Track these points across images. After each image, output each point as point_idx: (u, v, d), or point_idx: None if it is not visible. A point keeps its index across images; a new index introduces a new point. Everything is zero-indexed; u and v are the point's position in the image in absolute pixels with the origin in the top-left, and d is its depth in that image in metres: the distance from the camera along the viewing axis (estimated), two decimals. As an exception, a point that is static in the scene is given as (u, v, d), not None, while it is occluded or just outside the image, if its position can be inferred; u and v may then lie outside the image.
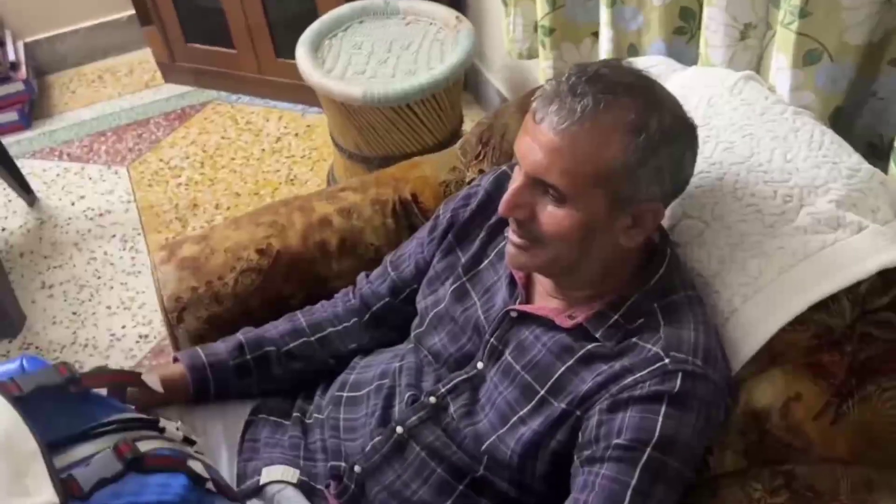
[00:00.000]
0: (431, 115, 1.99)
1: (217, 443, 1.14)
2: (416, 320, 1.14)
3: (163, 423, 0.89)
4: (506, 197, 0.93)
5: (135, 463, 0.77)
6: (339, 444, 1.10)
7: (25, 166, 2.49)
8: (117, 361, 1.97)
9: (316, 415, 1.16)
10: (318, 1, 2.33)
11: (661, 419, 0.88)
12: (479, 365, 1.03)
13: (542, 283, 1.04)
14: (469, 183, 1.26)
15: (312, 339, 1.20)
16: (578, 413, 0.94)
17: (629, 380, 0.91)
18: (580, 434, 0.93)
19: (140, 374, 1.03)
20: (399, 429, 1.04)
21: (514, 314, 1.02)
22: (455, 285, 1.10)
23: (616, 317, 0.96)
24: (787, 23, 1.08)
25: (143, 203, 2.39)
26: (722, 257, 1.01)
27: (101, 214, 2.37)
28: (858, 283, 0.91)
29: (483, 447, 0.99)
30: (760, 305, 0.95)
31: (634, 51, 1.44)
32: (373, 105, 1.89)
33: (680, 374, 0.89)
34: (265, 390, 1.20)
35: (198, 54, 2.69)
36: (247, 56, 2.60)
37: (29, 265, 2.24)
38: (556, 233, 0.91)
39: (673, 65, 1.27)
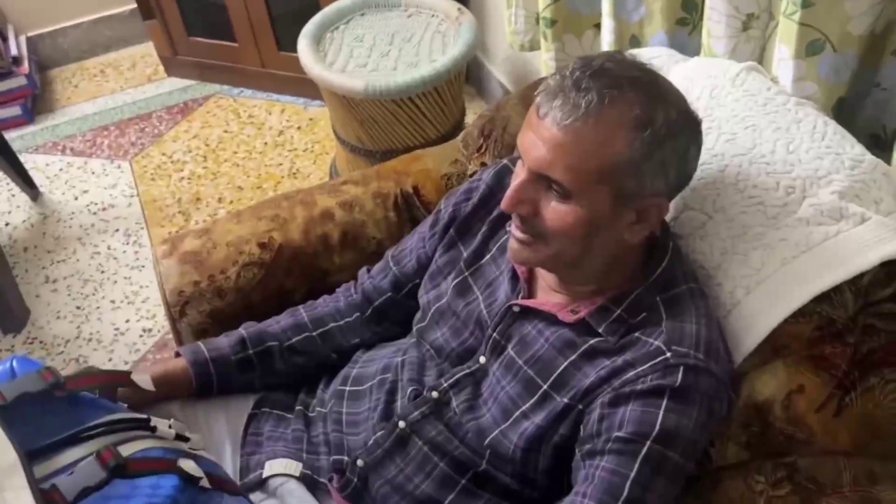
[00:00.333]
0: (433, 108, 1.98)
1: (220, 437, 1.15)
2: (419, 315, 1.14)
3: (154, 421, 0.88)
4: (509, 193, 0.92)
5: (118, 469, 0.76)
6: (341, 437, 1.10)
7: (28, 161, 2.50)
8: (121, 356, 1.97)
9: (319, 408, 1.16)
10: (320, -6, 2.33)
11: (662, 413, 0.88)
12: (482, 359, 1.03)
13: (544, 278, 1.04)
14: (471, 176, 1.26)
15: (314, 333, 1.20)
16: (580, 407, 0.94)
17: (631, 374, 0.90)
18: (581, 428, 0.93)
19: (129, 373, 1.02)
20: (401, 423, 1.05)
21: (516, 309, 1.02)
22: (457, 280, 1.10)
23: (618, 311, 0.95)
24: (790, 13, 1.08)
25: (145, 197, 2.39)
26: (724, 249, 1.00)
27: (104, 209, 2.37)
28: (861, 275, 0.91)
29: (486, 441, 0.99)
30: (763, 297, 0.95)
31: (636, 42, 1.43)
32: (375, 98, 1.88)
33: (681, 368, 0.89)
34: (267, 385, 1.20)
35: (200, 48, 2.69)
36: (249, 49, 2.60)
37: (33, 260, 2.24)
38: (560, 229, 0.90)
39: (675, 56, 1.27)
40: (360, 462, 1.06)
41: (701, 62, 1.22)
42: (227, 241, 1.30)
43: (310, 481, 1.09)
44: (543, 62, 1.66)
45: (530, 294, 1.04)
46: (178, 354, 1.17)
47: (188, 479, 0.81)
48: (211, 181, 2.42)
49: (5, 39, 2.69)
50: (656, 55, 1.25)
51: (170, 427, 0.90)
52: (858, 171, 0.99)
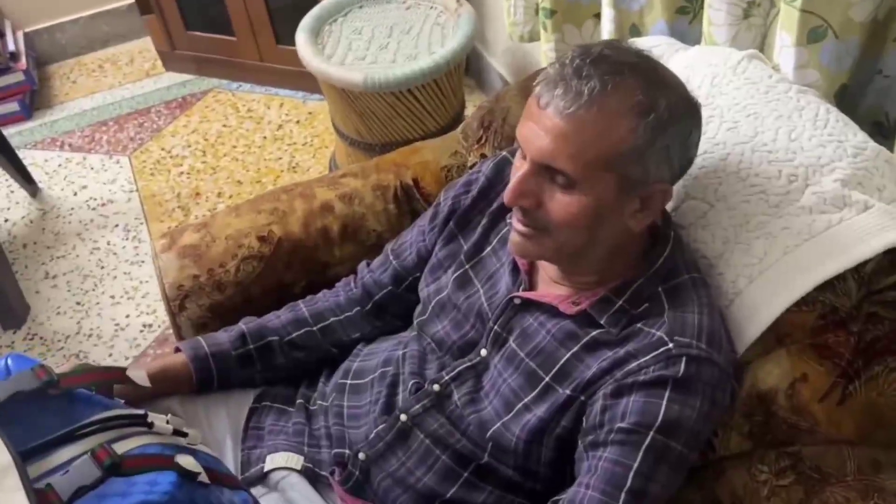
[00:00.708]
0: (433, 100, 1.97)
1: (221, 431, 1.14)
2: (419, 308, 1.14)
3: (151, 417, 0.87)
4: (511, 185, 0.91)
5: (113, 468, 0.75)
6: (343, 431, 1.10)
7: (27, 157, 2.49)
8: (121, 351, 1.97)
9: (320, 402, 1.16)
10: (318, -14, 2.32)
11: (664, 403, 0.87)
12: (483, 352, 1.03)
13: (545, 270, 1.03)
14: (471, 167, 1.25)
15: (315, 328, 1.19)
16: (583, 398, 0.93)
17: (633, 365, 0.90)
18: (584, 419, 0.93)
19: (125, 369, 1.01)
20: (403, 417, 1.04)
21: (517, 301, 1.01)
22: (457, 273, 1.09)
23: (620, 302, 0.95)
24: (791, 0, 1.07)
25: (145, 192, 2.38)
26: (726, 238, 1.00)
27: (103, 204, 2.36)
28: (864, 263, 0.90)
29: (488, 434, 0.99)
30: (765, 286, 0.95)
31: (636, 31, 1.42)
32: (374, 91, 1.88)
33: (684, 359, 0.88)
34: (268, 379, 1.20)
35: (198, 42, 2.68)
36: (247, 43, 2.59)
37: (32, 256, 2.24)
38: (565, 220, 0.89)
39: (675, 45, 1.26)
40: (361, 455, 1.05)
41: (702, 51, 1.22)
42: (226, 235, 1.30)
43: (311, 475, 1.09)
44: (543, 53, 1.65)
45: (531, 286, 1.03)
46: (177, 350, 1.17)
47: (186, 475, 0.81)
48: (210, 176, 2.41)
49: (2, 35, 2.68)
50: (657, 44, 1.25)
51: (167, 422, 0.89)
52: (861, 158, 0.98)
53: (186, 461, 0.82)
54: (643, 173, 0.88)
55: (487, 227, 1.11)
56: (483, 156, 1.32)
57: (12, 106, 2.66)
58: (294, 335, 1.18)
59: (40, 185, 2.43)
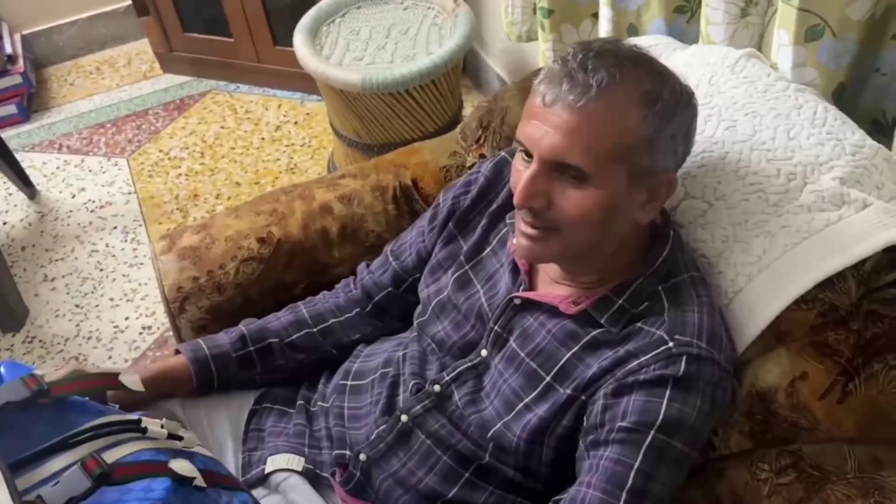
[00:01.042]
0: (431, 101, 1.97)
1: (221, 433, 1.14)
2: (419, 308, 1.13)
3: (145, 422, 0.86)
4: (521, 187, 0.90)
5: (104, 477, 0.74)
6: (343, 432, 1.10)
7: (25, 159, 2.49)
8: (121, 353, 1.97)
9: (320, 403, 1.16)
10: (315, -13, 2.32)
11: (665, 402, 0.87)
12: (483, 353, 1.03)
13: (546, 270, 1.03)
14: (469, 168, 1.25)
15: (315, 329, 1.19)
16: (583, 398, 0.93)
17: (633, 364, 0.90)
18: (585, 418, 0.93)
19: (118, 374, 1.00)
20: (404, 417, 1.04)
21: (517, 301, 1.01)
22: (457, 273, 1.09)
23: (620, 301, 0.95)
24: (789, -2, 1.07)
25: (143, 194, 2.38)
26: (725, 237, 1.00)
27: (101, 206, 2.36)
28: (864, 261, 0.90)
29: (489, 434, 0.99)
30: (765, 285, 0.95)
31: (634, 30, 1.43)
32: (372, 91, 1.88)
33: (684, 358, 0.88)
34: (268, 381, 1.20)
35: (195, 44, 2.68)
36: (245, 44, 2.59)
37: (31, 258, 2.24)
38: (578, 216, 0.89)
39: (674, 44, 1.26)
40: (362, 456, 1.05)
41: (700, 49, 1.22)
42: (225, 237, 1.30)
43: (312, 476, 1.09)
44: (541, 53, 1.65)
45: (531, 286, 1.03)
46: (177, 352, 1.17)
47: (181, 481, 0.80)
48: (208, 177, 2.41)
49: (0, 38, 2.68)
50: (655, 43, 1.25)
51: (161, 427, 0.88)
52: (859, 156, 0.98)
53: (181, 466, 0.81)
54: (652, 163, 0.89)
55: (487, 227, 1.10)
56: (482, 156, 1.32)
57: (10, 109, 2.65)
58: (294, 336, 1.18)
59: (38, 187, 2.43)
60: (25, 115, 2.69)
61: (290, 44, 2.04)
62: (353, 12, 2.13)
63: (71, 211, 2.36)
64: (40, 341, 2.02)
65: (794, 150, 1.00)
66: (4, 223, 2.35)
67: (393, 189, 1.35)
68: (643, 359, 0.90)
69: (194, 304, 1.26)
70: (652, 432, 0.87)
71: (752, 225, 0.98)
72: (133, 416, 0.87)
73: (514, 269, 1.04)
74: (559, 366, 0.95)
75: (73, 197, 2.40)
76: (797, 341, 0.93)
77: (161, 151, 2.52)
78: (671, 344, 0.89)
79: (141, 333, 2.01)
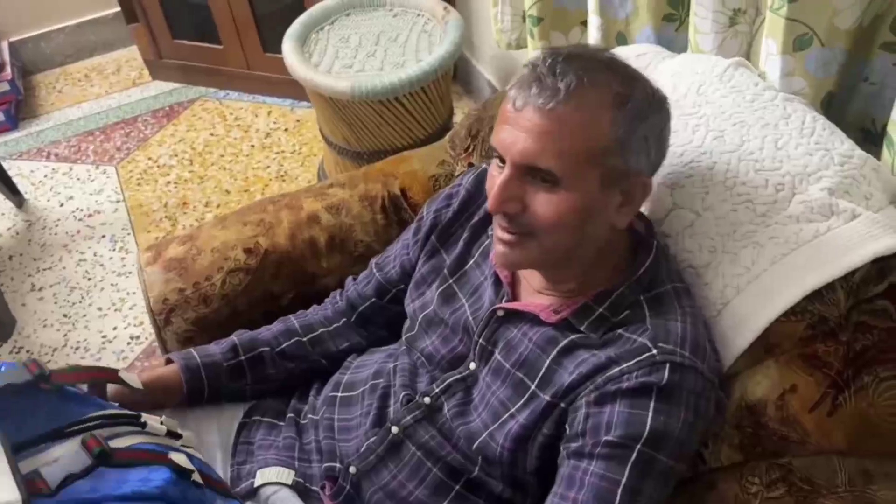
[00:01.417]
0: (421, 108, 1.97)
1: (211, 446, 1.14)
2: (407, 324, 1.13)
3: (145, 417, 0.87)
4: (494, 192, 0.90)
5: (104, 456, 0.74)
6: (333, 444, 1.09)
7: (12, 167, 2.47)
8: (109, 363, 1.95)
9: (310, 415, 1.15)
10: (304, -6, 2.31)
11: (650, 414, 0.86)
12: (472, 366, 1.02)
13: (527, 280, 1.02)
14: (458, 177, 1.24)
15: (304, 339, 1.19)
16: (563, 405, 0.92)
17: (615, 371, 0.89)
18: (567, 426, 0.92)
19: (117, 370, 1.00)
20: (394, 429, 1.03)
21: (500, 313, 1.01)
22: (442, 287, 1.09)
23: (601, 310, 0.94)
24: (777, 8, 1.07)
25: (132, 202, 2.37)
26: (713, 248, 0.99)
27: (90, 215, 2.35)
28: (853, 272, 0.90)
29: (474, 446, 0.98)
30: (753, 296, 0.94)
31: (623, 39, 1.42)
32: (361, 99, 1.87)
33: (668, 366, 0.87)
34: (258, 392, 1.19)
35: (184, 50, 2.67)
36: (234, 51, 2.58)
37: (18, 268, 2.22)
38: (552, 219, 0.88)
39: (662, 52, 1.26)
40: (352, 469, 1.05)
41: (688, 58, 1.21)
42: (211, 248, 1.29)
43: (302, 489, 1.08)
44: (530, 60, 1.64)
45: (514, 297, 1.03)
46: (168, 361, 1.16)
47: (180, 473, 0.80)
48: (198, 185, 2.40)
49: (-13, 45, 2.67)
50: (643, 52, 1.24)
51: (161, 423, 0.88)
52: (848, 166, 0.98)
53: (180, 458, 0.81)
54: (624, 165, 0.88)
55: (469, 240, 1.10)
56: (471, 164, 1.32)
57: (-3, 116, 2.64)
58: (284, 345, 1.18)
59: (26, 196, 2.41)
60: (13, 122, 2.67)
61: (280, 50, 2.03)
62: (342, 19, 2.12)
63: (59, 219, 2.34)
64: (28, 351, 2.01)
65: (783, 160, 1.00)
66: (-8, 232, 2.33)
67: (381, 198, 1.35)
68: (625, 365, 0.89)
69: (180, 316, 1.25)
70: (638, 446, 0.86)
71: (741, 236, 0.97)
72: (132, 412, 0.87)
73: (497, 282, 1.04)
74: (541, 373, 0.95)
75: (61, 205, 2.39)
76: (786, 353, 0.92)
77: (150, 159, 2.50)
78: (655, 351, 0.88)
79: (129, 343, 1.99)
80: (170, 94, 2.74)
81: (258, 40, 2.52)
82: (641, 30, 1.37)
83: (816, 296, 0.91)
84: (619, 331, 0.93)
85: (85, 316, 2.07)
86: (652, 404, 0.87)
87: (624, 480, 0.85)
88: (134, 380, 1.02)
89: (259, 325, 1.22)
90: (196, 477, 0.82)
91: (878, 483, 0.87)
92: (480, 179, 1.11)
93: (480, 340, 1.01)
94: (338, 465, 1.07)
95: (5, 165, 2.36)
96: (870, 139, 1.13)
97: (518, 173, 0.88)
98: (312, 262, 1.31)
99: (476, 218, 1.10)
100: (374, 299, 1.19)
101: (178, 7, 2.58)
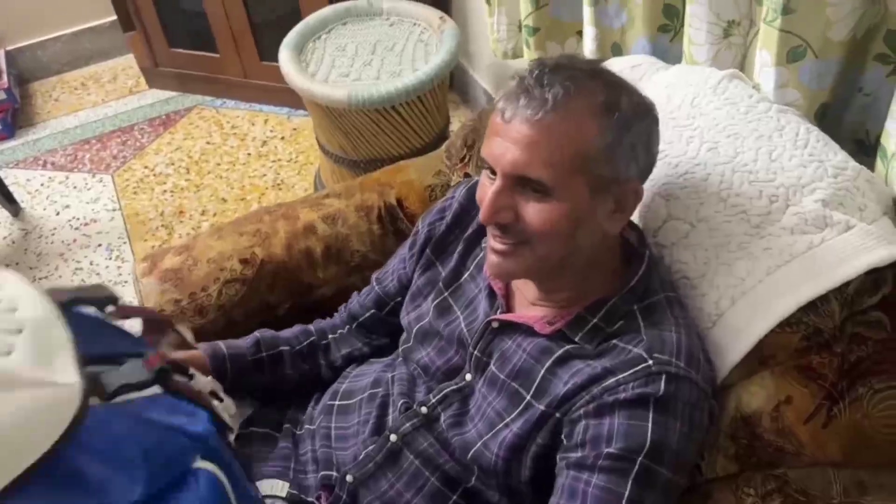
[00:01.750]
0: (417, 117, 1.97)
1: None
2: (403, 336, 1.14)
3: (192, 370, 0.85)
4: (486, 204, 0.90)
5: (163, 374, 0.73)
6: (330, 453, 1.09)
7: (9, 176, 2.47)
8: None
9: (307, 426, 1.15)
10: (302, 3, 2.31)
11: (650, 425, 0.86)
12: (468, 377, 1.02)
13: (521, 292, 1.03)
14: (451, 189, 1.25)
15: (318, 341, 1.23)
16: (558, 415, 0.92)
17: (611, 381, 0.89)
18: (564, 437, 0.92)
19: (172, 318, 1.01)
20: (393, 437, 1.04)
21: (495, 324, 1.01)
22: (437, 300, 1.10)
23: (595, 320, 0.95)
24: (771, 20, 1.07)
25: (128, 211, 2.37)
26: (708, 259, 1.00)
27: (86, 224, 2.35)
28: (847, 283, 0.90)
29: (469, 455, 0.98)
30: (748, 308, 0.94)
31: (618, 49, 1.43)
32: (358, 108, 1.87)
33: (664, 377, 0.88)
34: (271, 391, 1.21)
35: (181, 59, 2.67)
36: (231, 60, 2.58)
37: (14, 277, 2.21)
38: (545, 227, 0.89)
39: (657, 63, 1.26)
40: (349, 477, 1.05)
41: (682, 70, 1.22)
42: (207, 258, 1.29)
43: (297, 501, 1.08)
44: (526, 70, 1.65)
45: (509, 309, 1.03)
46: None
47: (220, 426, 0.79)
48: (194, 194, 2.40)
49: (-16, 54, 2.67)
50: (638, 63, 1.25)
51: (209, 381, 0.88)
52: (842, 178, 0.98)
53: (224, 414, 0.80)
54: (613, 172, 0.89)
55: (464, 252, 1.11)
56: (467, 174, 1.32)
57: (-6, 125, 2.64)
58: (304, 344, 1.21)
59: (22, 204, 2.41)
60: (10, 131, 2.67)
61: (277, 59, 2.03)
62: (338, 28, 2.12)
63: (55, 228, 2.34)
64: (23, 361, 2.00)
65: (777, 171, 1.00)
66: (-12, 241, 2.33)
67: (378, 209, 1.35)
68: (621, 376, 0.89)
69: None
70: (640, 459, 0.86)
71: (735, 247, 0.98)
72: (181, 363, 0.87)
73: (492, 294, 1.04)
74: (536, 383, 0.95)
75: (58, 214, 2.39)
76: (781, 365, 0.92)
77: (146, 168, 2.50)
78: (651, 362, 0.89)
79: (125, 352, 1.99)
80: (166, 102, 2.74)
81: (255, 49, 2.52)
82: (636, 40, 1.37)
83: (811, 307, 0.91)
84: (614, 341, 0.93)
85: (81, 325, 2.07)
86: (651, 416, 0.87)
87: (627, 493, 0.85)
88: (186, 332, 1.02)
89: (255, 336, 1.22)
90: (231, 439, 0.81)
91: (872, 494, 0.87)
92: (473, 192, 1.11)
93: (475, 352, 1.02)
94: (334, 473, 1.07)
95: (1, 174, 2.36)
96: (864, 150, 1.13)
97: (509, 184, 0.89)
98: (309, 273, 1.31)
99: (470, 230, 1.10)
100: (373, 310, 1.21)
101: (174, 15, 2.59)
